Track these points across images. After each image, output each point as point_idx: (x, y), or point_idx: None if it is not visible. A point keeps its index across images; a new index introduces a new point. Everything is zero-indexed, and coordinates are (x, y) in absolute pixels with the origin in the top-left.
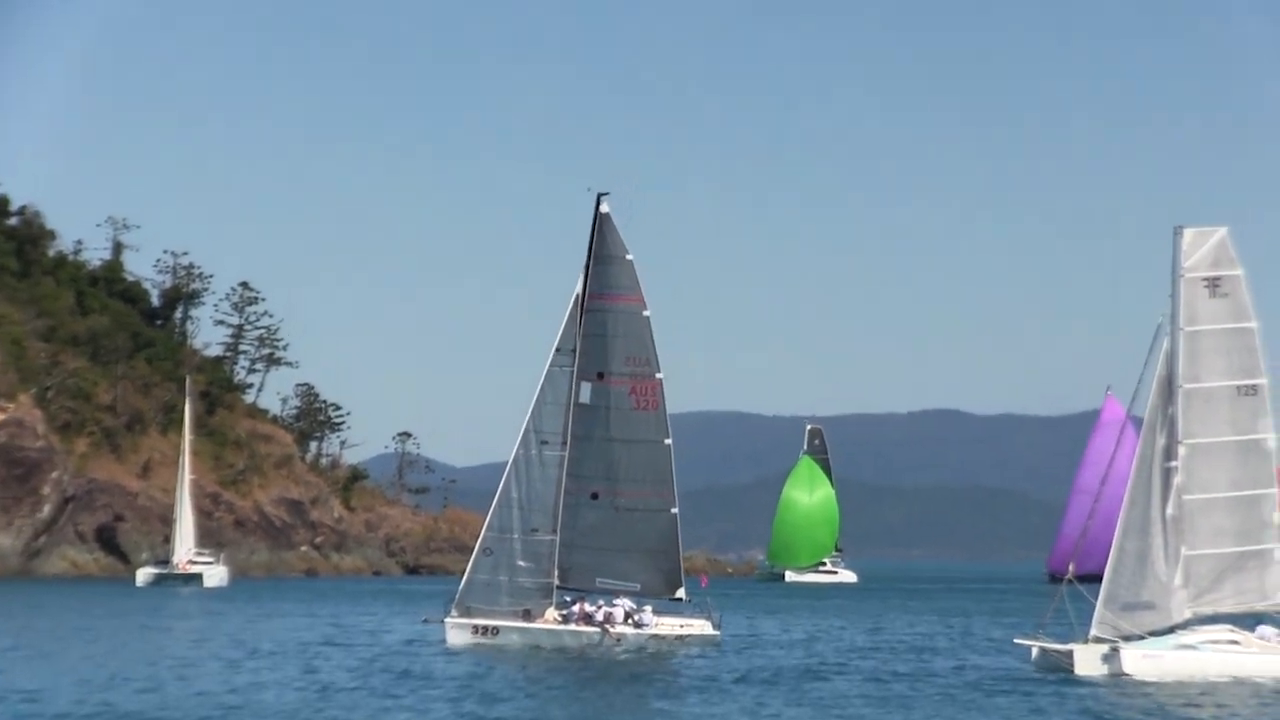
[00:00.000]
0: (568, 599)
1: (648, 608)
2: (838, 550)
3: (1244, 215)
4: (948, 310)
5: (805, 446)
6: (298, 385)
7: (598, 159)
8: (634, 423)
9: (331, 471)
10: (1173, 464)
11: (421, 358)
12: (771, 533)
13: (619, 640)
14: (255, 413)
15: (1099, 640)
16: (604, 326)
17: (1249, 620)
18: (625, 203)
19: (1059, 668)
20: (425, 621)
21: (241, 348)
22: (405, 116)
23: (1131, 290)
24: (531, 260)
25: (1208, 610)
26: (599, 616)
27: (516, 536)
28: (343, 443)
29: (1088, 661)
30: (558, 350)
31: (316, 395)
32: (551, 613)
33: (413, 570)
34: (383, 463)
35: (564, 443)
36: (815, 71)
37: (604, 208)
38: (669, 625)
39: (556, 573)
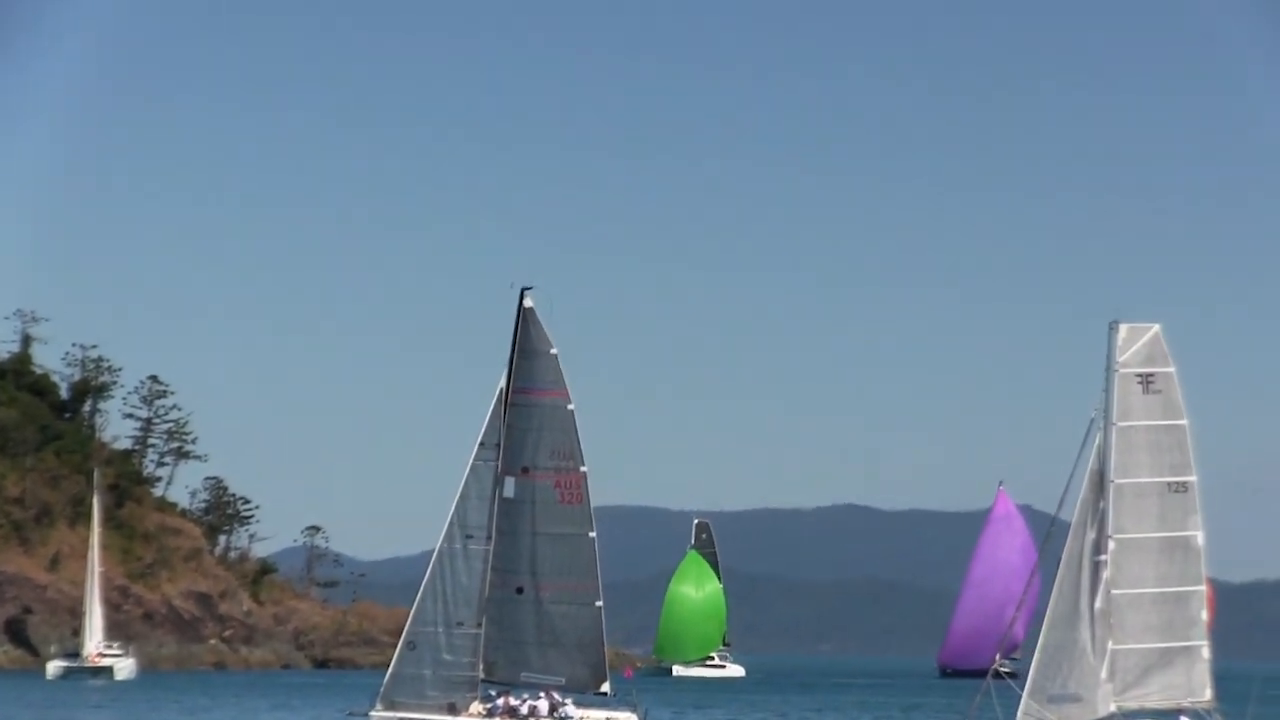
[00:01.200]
0: (492, 693)
1: (568, 701)
2: (725, 644)
3: (1168, 310)
4: (860, 404)
5: (693, 541)
6: (207, 479)
7: (518, 253)
8: (558, 516)
9: (240, 565)
10: (1102, 558)
11: (331, 452)
12: (659, 627)
13: None
14: (164, 506)
15: None
16: (528, 420)
17: (1174, 716)
18: (547, 298)
19: None
20: (350, 715)
21: (150, 441)
22: (320, 201)
23: (1044, 385)
24: (446, 356)
25: (1133, 705)
26: (524, 710)
27: (441, 630)
28: (251, 536)
29: None
30: (481, 445)
31: (225, 489)
32: (476, 706)
33: (322, 664)
34: (291, 556)
35: (489, 537)
36: (723, 153)
37: (528, 302)
38: (595, 718)
39: (481, 666)
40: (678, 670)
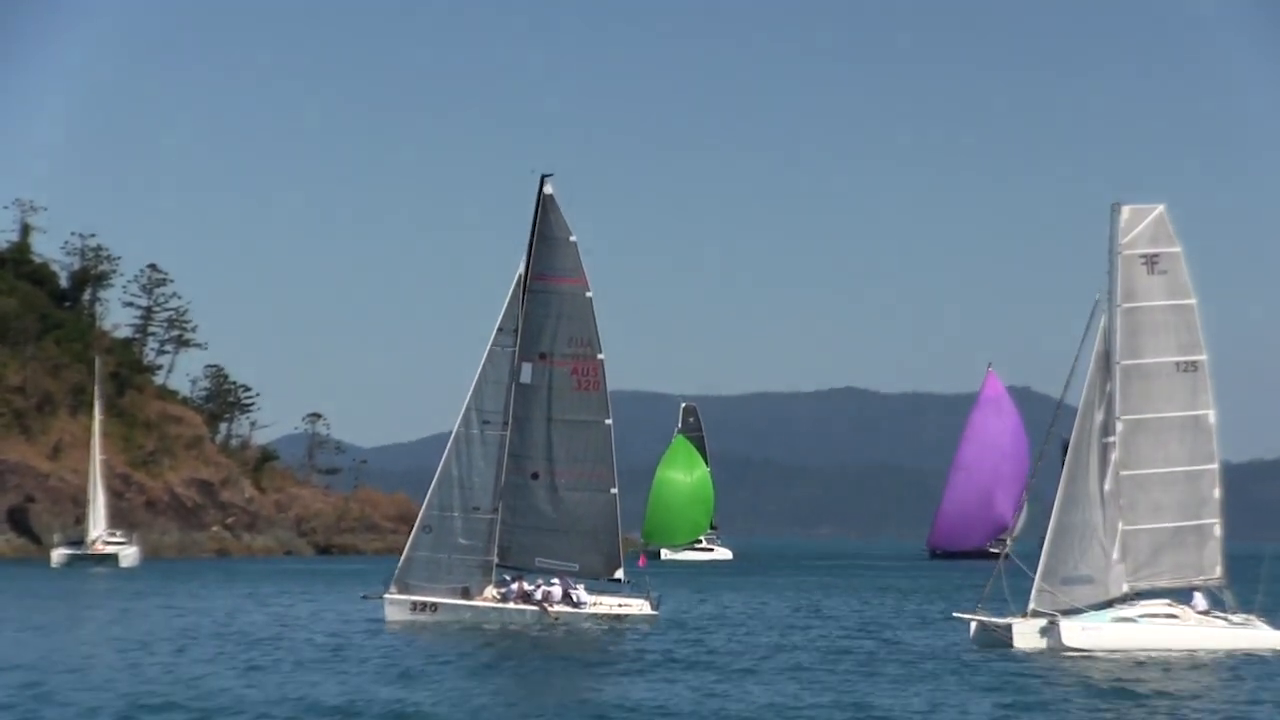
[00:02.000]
0: (506, 577)
1: (580, 586)
2: (713, 528)
3: (1179, 191)
4: (860, 287)
5: (679, 425)
6: (207, 367)
7: (537, 140)
8: (575, 403)
9: (242, 453)
10: (1110, 439)
11: (331, 339)
12: (646, 513)
13: (557, 619)
14: (165, 394)
15: (1037, 614)
16: (546, 307)
17: (1187, 594)
18: (568, 184)
19: (997, 642)
20: (364, 598)
21: (150, 329)
22: (331, 84)
23: (1044, 266)
24: (445, 243)
25: (1145, 585)
26: (537, 595)
27: (457, 514)
28: (253, 424)
29: (1026, 635)
30: (499, 330)
31: (226, 377)
32: (490, 591)
33: (324, 550)
34: (292, 444)
35: (505, 422)
36: (742, 62)
37: (548, 189)
38: (607, 604)
39: (496, 551)
40: (665, 554)
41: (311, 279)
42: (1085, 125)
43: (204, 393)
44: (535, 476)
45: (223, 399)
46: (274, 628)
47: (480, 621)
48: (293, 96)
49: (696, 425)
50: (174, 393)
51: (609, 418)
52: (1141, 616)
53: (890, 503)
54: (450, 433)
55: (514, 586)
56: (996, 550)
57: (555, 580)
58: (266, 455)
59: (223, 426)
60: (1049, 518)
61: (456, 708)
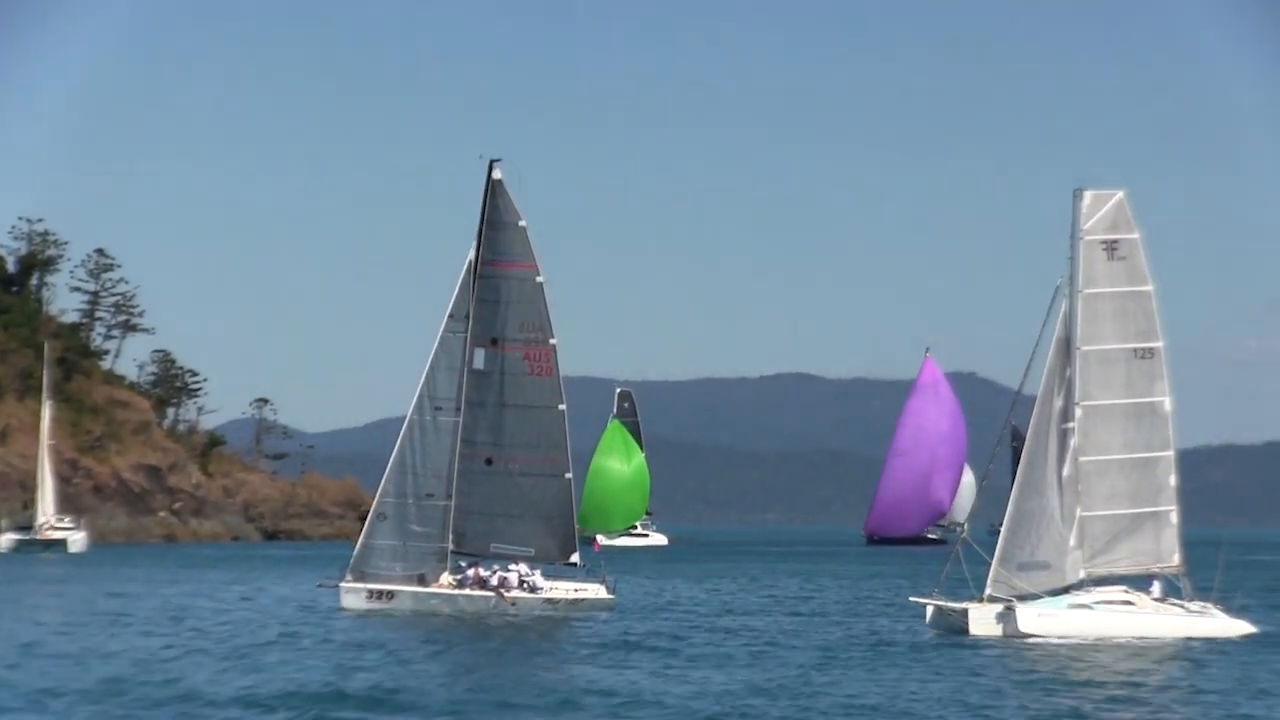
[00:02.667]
0: (462, 564)
1: (536, 572)
2: (648, 514)
3: (1135, 177)
4: (811, 273)
5: (614, 410)
6: (154, 352)
7: (489, 124)
8: (528, 388)
9: (189, 438)
10: (1069, 425)
11: (277, 325)
12: (582, 499)
13: (513, 604)
14: (112, 379)
15: (994, 599)
16: (497, 293)
17: (1144, 581)
18: (516, 170)
19: (953, 626)
20: (320, 585)
21: (98, 314)
22: (279, 70)
23: (998, 251)
24: (397, 227)
25: (1102, 571)
26: (493, 581)
27: (411, 501)
28: (200, 409)
29: (982, 620)
30: (450, 316)
31: (173, 361)
32: (446, 577)
33: (271, 536)
34: (240, 428)
35: (458, 408)
36: (686, 45)
37: (496, 174)
38: (563, 589)
39: (451, 538)
40: (602, 540)
41: (258, 264)
42: (1042, 111)
43: (151, 378)
44: (489, 462)
45: (170, 384)
46: (225, 614)
47: (437, 608)
48: (241, 78)
49: (632, 410)
50: (121, 378)
51: (563, 403)
52: (1097, 603)
53: (837, 488)
54: (400, 418)
55: (469, 573)
56: (934, 536)
57: (511, 566)
58: (214, 440)
59: (170, 411)
60: (1003, 504)
61: (420, 695)
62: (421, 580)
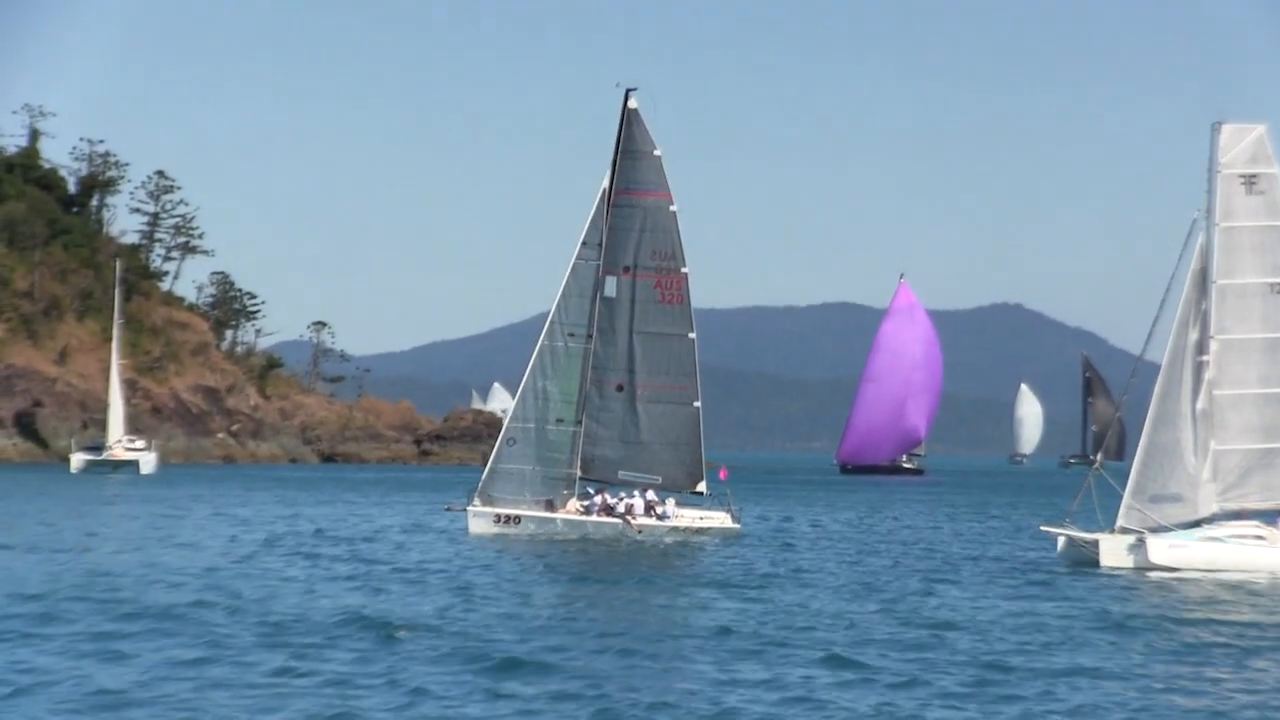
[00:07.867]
0: (590, 490)
1: (669, 500)
2: None
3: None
4: (863, 206)
5: None
6: (213, 273)
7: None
8: (659, 316)
9: (247, 360)
10: (1204, 358)
11: (334, 248)
12: None
13: (640, 532)
14: (171, 300)
15: (1125, 531)
16: (630, 221)
17: (1274, 516)
18: (651, 98)
19: (1084, 558)
20: (448, 509)
21: (157, 236)
22: None
23: (1038, 186)
24: (469, 152)
25: (1234, 505)
26: (620, 508)
27: (540, 427)
28: (258, 331)
29: (1113, 552)
30: (583, 244)
31: (232, 283)
32: (573, 503)
33: (328, 459)
34: (297, 351)
35: (589, 335)
36: None
37: (632, 103)
38: (689, 517)
39: (579, 464)
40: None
41: (315, 188)
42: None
43: (210, 299)
44: (619, 389)
45: (228, 306)
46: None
47: (564, 534)
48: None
49: None
50: (180, 299)
51: (692, 331)
52: (1230, 537)
53: None
54: (447, 342)
55: (596, 500)
56: (909, 465)
57: (637, 493)
58: (271, 362)
59: (228, 333)
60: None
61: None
62: (550, 506)
